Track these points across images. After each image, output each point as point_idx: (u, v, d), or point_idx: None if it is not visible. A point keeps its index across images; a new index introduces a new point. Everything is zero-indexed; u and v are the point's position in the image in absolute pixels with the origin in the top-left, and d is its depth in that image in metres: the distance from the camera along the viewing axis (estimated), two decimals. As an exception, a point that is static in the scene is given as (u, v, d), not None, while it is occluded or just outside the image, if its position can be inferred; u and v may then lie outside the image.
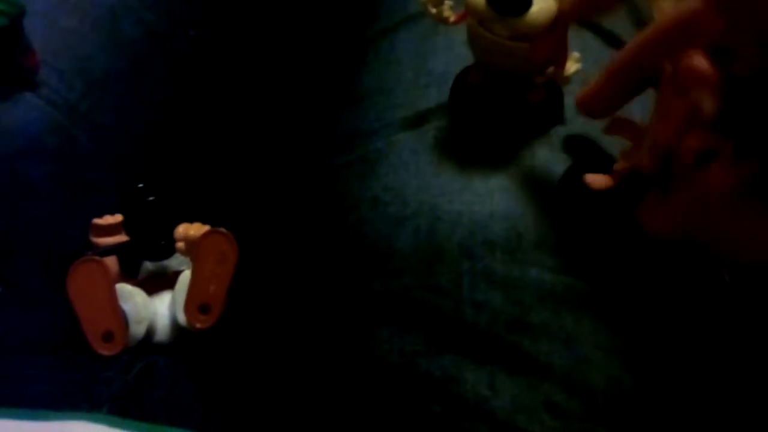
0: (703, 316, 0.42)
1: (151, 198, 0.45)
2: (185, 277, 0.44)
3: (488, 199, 0.43)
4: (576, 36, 0.46)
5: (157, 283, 0.47)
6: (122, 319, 0.43)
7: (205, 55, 0.56)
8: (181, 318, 0.44)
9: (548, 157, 0.45)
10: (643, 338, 0.40)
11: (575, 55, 0.44)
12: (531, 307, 0.40)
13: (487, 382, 0.39)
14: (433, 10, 0.44)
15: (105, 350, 0.42)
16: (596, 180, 0.41)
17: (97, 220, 0.46)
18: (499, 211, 0.43)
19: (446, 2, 0.43)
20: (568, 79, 0.45)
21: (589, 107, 0.41)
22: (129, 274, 0.47)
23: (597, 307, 0.40)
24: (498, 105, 0.45)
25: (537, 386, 0.39)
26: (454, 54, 0.50)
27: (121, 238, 0.47)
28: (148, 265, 0.48)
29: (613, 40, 0.52)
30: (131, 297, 0.44)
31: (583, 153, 0.45)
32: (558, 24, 0.40)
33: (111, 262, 0.46)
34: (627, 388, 0.39)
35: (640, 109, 0.40)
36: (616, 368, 0.39)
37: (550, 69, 0.44)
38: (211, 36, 0.57)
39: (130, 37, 0.57)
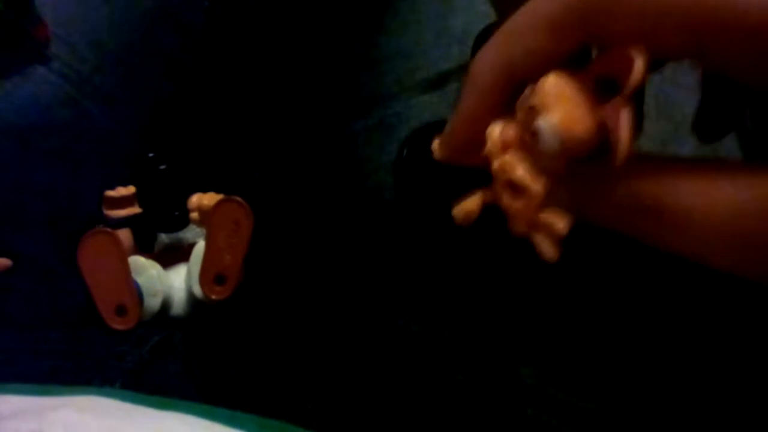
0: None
1: (162, 167, 0.44)
2: (200, 248, 0.43)
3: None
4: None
5: (173, 256, 0.46)
6: (136, 292, 0.41)
7: (220, 24, 0.54)
8: (197, 290, 0.42)
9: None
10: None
11: None
12: None
13: (514, 351, 0.37)
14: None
15: (118, 324, 0.41)
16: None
17: (109, 192, 0.45)
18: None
19: None
20: None
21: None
22: (144, 248, 0.46)
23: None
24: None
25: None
26: (474, 12, 0.48)
27: (135, 210, 0.45)
28: (164, 238, 0.47)
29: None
30: (145, 270, 0.43)
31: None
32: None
33: (124, 234, 0.45)
34: None
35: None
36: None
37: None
38: (225, 4, 0.55)
39: (144, 9, 0.56)
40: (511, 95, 0.23)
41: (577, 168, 0.20)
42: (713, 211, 0.19)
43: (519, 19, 0.22)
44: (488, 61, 0.23)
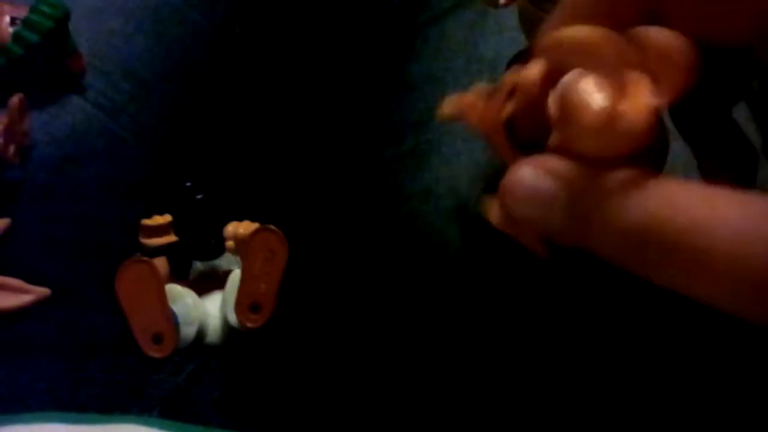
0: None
1: (199, 196, 0.44)
2: (235, 277, 0.43)
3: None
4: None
5: (208, 283, 0.46)
6: (172, 320, 0.42)
7: (251, 51, 0.55)
8: (232, 318, 0.43)
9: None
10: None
11: None
12: None
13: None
14: (484, -5, 0.42)
15: (155, 352, 0.41)
16: None
17: (145, 221, 0.46)
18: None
19: None
20: None
21: None
22: (179, 276, 0.47)
23: None
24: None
25: None
26: (504, 38, 0.48)
27: (171, 238, 0.46)
28: (199, 266, 0.47)
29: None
30: (181, 298, 0.43)
31: None
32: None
33: (161, 263, 0.45)
34: None
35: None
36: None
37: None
38: (256, 32, 0.56)
39: (176, 37, 0.57)
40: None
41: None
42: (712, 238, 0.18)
43: None
44: None
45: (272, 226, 0.42)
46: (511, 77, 0.26)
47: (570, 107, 0.21)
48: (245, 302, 0.42)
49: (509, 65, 0.46)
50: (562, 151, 0.22)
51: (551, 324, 0.39)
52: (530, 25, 0.41)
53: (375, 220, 0.46)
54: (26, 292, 0.42)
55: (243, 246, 0.43)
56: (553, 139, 0.22)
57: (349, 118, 0.50)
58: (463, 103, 0.29)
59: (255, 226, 0.44)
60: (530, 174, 0.21)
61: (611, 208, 0.19)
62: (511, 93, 0.26)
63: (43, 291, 0.43)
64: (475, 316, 0.40)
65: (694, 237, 0.18)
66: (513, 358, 0.38)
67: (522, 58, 0.45)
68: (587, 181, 0.20)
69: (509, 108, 0.26)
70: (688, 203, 0.18)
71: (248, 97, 0.54)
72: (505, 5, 0.42)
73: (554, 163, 0.21)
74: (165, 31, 0.56)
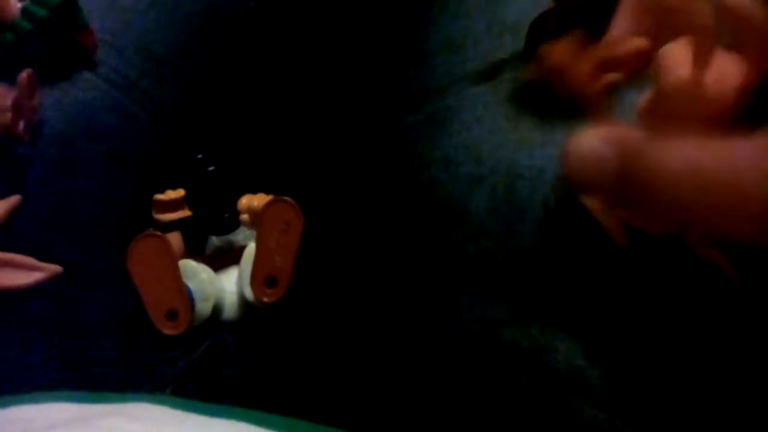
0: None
1: (211, 168, 0.43)
2: (250, 251, 0.42)
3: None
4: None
5: (224, 259, 0.45)
6: (187, 296, 0.40)
7: (266, 23, 0.54)
8: (248, 293, 0.41)
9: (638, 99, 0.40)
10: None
11: None
12: None
13: (582, 352, 0.35)
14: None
15: (169, 329, 0.40)
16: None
17: (158, 196, 0.44)
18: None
19: None
20: None
21: None
22: (195, 251, 0.45)
23: None
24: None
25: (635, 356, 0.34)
26: (526, 0, 0.46)
27: (185, 212, 0.45)
28: (214, 241, 0.46)
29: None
30: (196, 274, 0.42)
31: None
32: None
33: (174, 238, 0.44)
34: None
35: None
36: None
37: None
38: (272, 4, 0.55)
39: (189, 12, 0.55)
40: None
41: None
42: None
43: None
44: None
45: (287, 198, 0.41)
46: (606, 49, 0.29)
47: (660, 70, 0.25)
48: (261, 276, 0.41)
49: (531, 28, 0.44)
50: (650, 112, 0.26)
51: (572, 297, 0.37)
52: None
53: (393, 189, 0.44)
54: (38, 269, 0.42)
55: (257, 219, 0.42)
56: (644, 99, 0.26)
57: (366, 85, 0.49)
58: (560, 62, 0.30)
59: (269, 198, 0.42)
60: (590, 139, 0.22)
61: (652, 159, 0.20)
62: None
63: (54, 268, 0.42)
64: (495, 288, 0.38)
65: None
66: (535, 326, 0.36)
67: (545, 19, 0.44)
68: (638, 146, 0.21)
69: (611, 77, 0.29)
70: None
71: (262, 68, 0.52)
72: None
73: (611, 131, 0.22)
74: (178, 6, 0.55)
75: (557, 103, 0.42)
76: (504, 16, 0.47)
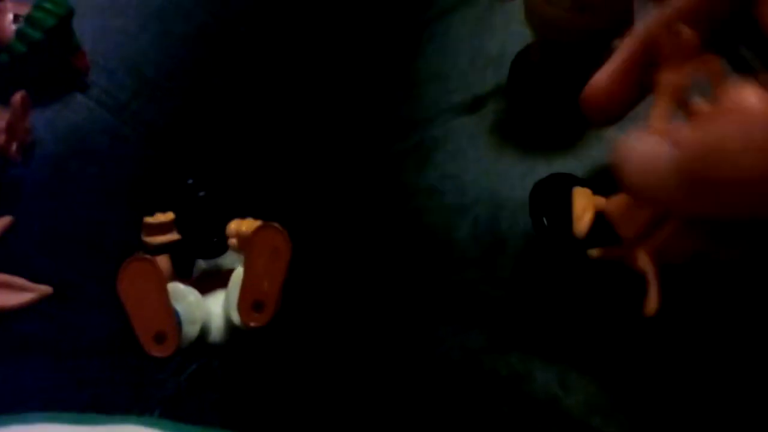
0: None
1: (201, 193, 0.44)
2: (238, 275, 0.43)
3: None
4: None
5: (211, 282, 0.46)
6: (175, 319, 0.41)
7: (257, 50, 0.55)
8: (235, 317, 0.42)
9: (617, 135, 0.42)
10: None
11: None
12: None
13: (558, 381, 0.37)
14: (492, -11, 0.42)
15: (157, 351, 0.41)
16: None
17: (148, 219, 0.45)
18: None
19: None
20: None
21: (596, 104, 0.33)
22: (182, 274, 0.46)
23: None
24: (560, 81, 0.43)
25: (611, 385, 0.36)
26: (510, 34, 0.48)
27: (173, 236, 0.45)
28: (202, 264, 0.47)
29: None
30: (184, 297, 0.43)
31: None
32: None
33: (163, 261, 0.45)
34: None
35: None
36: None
37: (616, 41, 0.41)
38: (262, 30, 0.56)
39: (181, 35, 0.56)
40: None
41: None
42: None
43: None
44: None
45: (275, 224, 0.42)
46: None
47: None
48: (248, 300, 0.42)
49: (515, 61, 0.45)
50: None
51: (558, 323, 0.38)
52: (537, 20, 0.41)
53: (380, 217, 0.45)
54: (28, 290, 0.42)
55: (246, 243, 0.43)
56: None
57: (355, 114, 0.50)
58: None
59: (258, 223, 0.43)
60: (644, 140, 0.25)
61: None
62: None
63: (45, 289, 0.43)
64: (476, 316, 0.39)
65: None
66: (514, 354, 0.38)
67: (528, 53, 0.45)
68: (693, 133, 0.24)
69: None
70: None
71: (252, 94, 0.53)
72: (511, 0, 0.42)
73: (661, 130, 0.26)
74: (170, 29, 0.56)
75: (538, 137, 0.44)
76: (488, 49, 0.48)
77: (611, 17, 0.39)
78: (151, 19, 0.57)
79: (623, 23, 0.41)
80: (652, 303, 0.31)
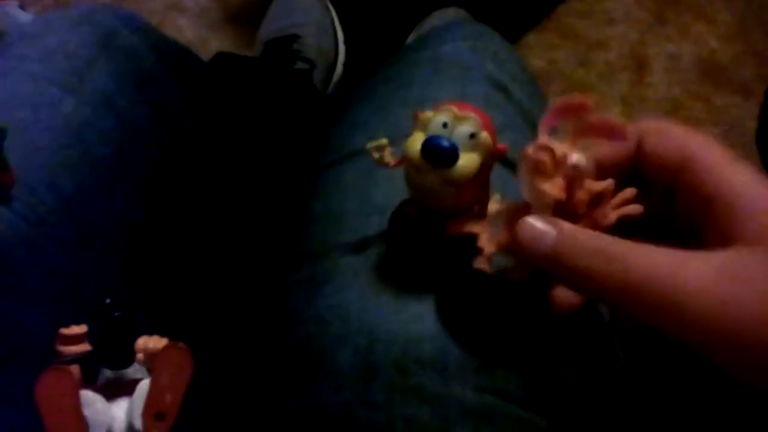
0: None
1: (117, 313, 0.49)
2: (144, 386, 0.48)
3: (421, 320, 0.49)
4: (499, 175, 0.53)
5: (115, 389, 0.51)
6: (85, 424, 0.46)
7: (168, 175, 0.61)
8: (138, 424, 0.47)
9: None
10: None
11: (497, 196, 0.51)
12: (455, 422, 0.45)
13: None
14: (376, 156, 0.50)
15: (67, 454, 0.45)
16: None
17: (63, 330, 0.50)
18: (431, 332, 0.48)
19: (387, 149, 0.50)
20: (490, 216, 0.51)
21: None
22: (88, 380, 0.51)
23: (513, 424, 0.46)
24: (430, 237, 0.51)
25: None
26: (393, 187, 0.55)
27: (85, 347, 0.50)
28: (107, 373, 0.51)
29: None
30: (93, 403, 0.48)
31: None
32: (481, 172, 0.47)
33: (75, 369, 0.50)
34: None
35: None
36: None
37: (476, 208, 0.50)
38: (174, 157, 0.62)
39: (99, 155, 0.62)
40: None
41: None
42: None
43: None
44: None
45: (180, 343, 0.48)
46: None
47: None
48: (152, 411, 0.47)
49: (394, 214, 0.53)
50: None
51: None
52: (414, 187, 0.49)
53: (271, 340, 0.52)
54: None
55: (152, 359, 0.48)
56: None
57: (254, 245, 0.57)
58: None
59: (164, 341, 0.49)
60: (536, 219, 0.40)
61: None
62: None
63: (-37, 393, 0.46)
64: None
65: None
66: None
67: (407, 205, 0.53)
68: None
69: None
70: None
71: (167, 218, 0.59)
72: (395, 166, 0.50)
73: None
74: (89, 149, 0.62)
75: (412, 279, 0.52)
76: (374, 198, 0.56)
77: (472, 191, 0.48)
78: (72, 138, 0.62)
79: (483, 194, 0.50)
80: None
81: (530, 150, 0.42)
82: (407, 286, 0.51)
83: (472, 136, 0.46)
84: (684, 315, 0.36)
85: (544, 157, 0.42)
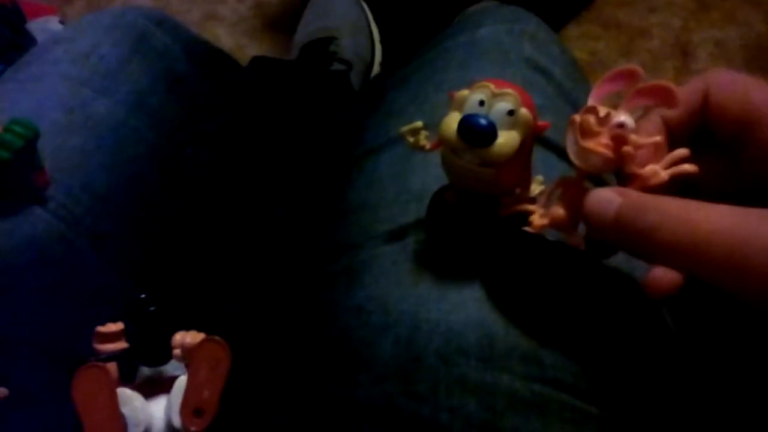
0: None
1: (152, 308, 0.49)
2: (181, 383, 0.47)
3: (463, 308, 0.47)
4: (542, 158, 0.51)
5: (154, 387, 0.50)
6: (123, 422, 0.45)
7: (202, 171, 0.60)
8: (177, 421, 0.46)
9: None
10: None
11: (539, 178, 0.49)
12: (502, 412, 0.43)
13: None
14: (411, 139, 0.48)
15: (105, 453, 0.45)
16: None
17: (100, 328, 0.49)
18: (474, 320, 0.46)
19: (422, 132, 0.48)
20: (533, 199, 0.49)
21: None
22: (126, 378, 0.50)
23: (565, 413, 0.44)
24: (470, 222, 0.49)
25: None
26: (430, 174, 0.54)
27: (122, 344, 0.50)
28: (145, 371, 0.51)
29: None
30: (130, 401, 0.47)
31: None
32: (521, 151, 0.45)
33: (112, 367, 0.49)
34: None
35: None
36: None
37: (517, 190, 0.48)
38: (208, 153, 0.62)
39: (133, 155, 0.62)
40: None
41: None
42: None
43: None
44: None
45: (217, 337, 0.46)
46: None
47: None
48: (190, 407, 0.46)
49: (432, 200, 0.52)
50: None
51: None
52: (451, 170, 0.47)
53: (310, 332, 0.51)
54: (-20, 389, 0.46)
55: (189, 354, 0.47)
56: None
57: (292, 237, 0.56)
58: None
59: (201, 336, 0.48)
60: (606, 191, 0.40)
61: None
62: None
63: (1, 391, 0.46)
64: (395, 426, 0.44)
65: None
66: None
67: (443, 194, 0.52)
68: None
69: None
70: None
71: (198, 213, 0.59)
72: (431, 150, 0.48)
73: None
74: (122, 150, 0.62)
75: (452, 266, 0.50)
76: (411, 185, 0.55)
77: (512, 172, 0.46)
78: (106, 139, 0.62)
79: (524, 176, 0.48)
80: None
81: (577, 115, 0.42)
82: (448, 273, 0.49)
83: (511, 113, 0.44)
84: (750, 272, 0.34)
85: (589, 117, 0.41)
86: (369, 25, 1.32)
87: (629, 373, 0.46)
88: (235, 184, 0.60)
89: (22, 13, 1.34)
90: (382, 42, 1.32)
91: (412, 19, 1.36)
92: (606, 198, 0.40)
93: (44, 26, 1.37)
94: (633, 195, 0.40)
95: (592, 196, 0.41)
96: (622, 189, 0.41)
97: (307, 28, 1.28)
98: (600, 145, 0.41)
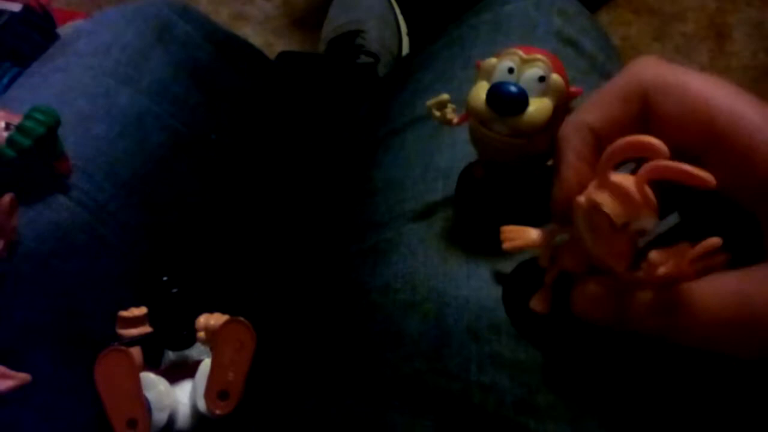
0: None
1: (174, 290, 0.48)
2: (205, 366, 0.46)
3: (493, 284, 0.45)
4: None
5: (179, 372, 0.49)
6: (146, 407, 0.44)
7: (226, 157, 0.60)
8: (202, 405, 0.45)
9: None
10: (649, 416, 0.41)
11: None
12: (538, 389, 0.41)
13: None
14: (437, 113, 0.47)
15: (129, 437, 0.44)
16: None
17: (122, 313, 0.49)
18: (505, 296, 0.45)
19: (449, 105, 0.47)
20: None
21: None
22: (152, 364, 0.49)
23: (603, 388, 0.42)
24: (500, 197, 0.48)
25: None
26: (457, 151, 0.53)
27: (146, 329, 0.49)
28: (170, 355, 0.50)
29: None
30: (155, 385, 0.46)
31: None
32: (554, 120, 0.43)
33: (136, 351, 0.48)
34: None
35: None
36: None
37: (550, 161, 0.46)
38: (231, 139, 0.61)
39: (156, 142, 0.61)
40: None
41: None
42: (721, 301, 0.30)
43: (601, 91, 0.37)
44: (574, 124, 0.38)
45: (241, 318, 0.45)
46: None
47: None
48: (214, 390, 0.45)
49: (461, 176, 0.50)
50: None
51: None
52: (479, 142, 0.46)
53: (338, 311, 0.49)
54: (8, 377, 0.45)
55: (214, 336, 0.46)
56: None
57: (318, 217, 0.55)
58: None
59: (225, 317, 0.47)
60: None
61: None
62: None
63: (24, 377, 0.45)
64: (424, 405, 0.43)
65: None
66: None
67: (472, 169, 0.50)
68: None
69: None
70: None
71: (222, 198, 0.58)
72: (458, 123, 0.47)
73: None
74: (146, 137, 0.61)
75: (481, 243, 0.49)
76: (438, 163, 0.53)
77: (545, 142, 0.44)
78: (130, 127, 0.61)
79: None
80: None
81: (584, 203, 0.35)
82: (477, 250, 0.48)
83: (542, 79, 0.42)
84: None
85: (600, 221, 0.34)
86: (396, 18, 1.31)
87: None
88: (261, 169, 0.59)
89: (52, 19, 1.35)
90: (409, 34, 1.30)
91: (440, 10, 1.35)
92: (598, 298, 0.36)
93: (74, 28, 1.38)
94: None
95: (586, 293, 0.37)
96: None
97: (334, 23, 1.27)
98: (615, 255, 0.35)
